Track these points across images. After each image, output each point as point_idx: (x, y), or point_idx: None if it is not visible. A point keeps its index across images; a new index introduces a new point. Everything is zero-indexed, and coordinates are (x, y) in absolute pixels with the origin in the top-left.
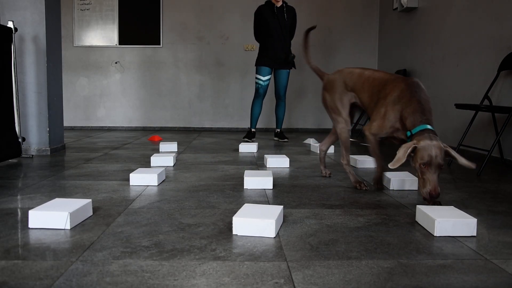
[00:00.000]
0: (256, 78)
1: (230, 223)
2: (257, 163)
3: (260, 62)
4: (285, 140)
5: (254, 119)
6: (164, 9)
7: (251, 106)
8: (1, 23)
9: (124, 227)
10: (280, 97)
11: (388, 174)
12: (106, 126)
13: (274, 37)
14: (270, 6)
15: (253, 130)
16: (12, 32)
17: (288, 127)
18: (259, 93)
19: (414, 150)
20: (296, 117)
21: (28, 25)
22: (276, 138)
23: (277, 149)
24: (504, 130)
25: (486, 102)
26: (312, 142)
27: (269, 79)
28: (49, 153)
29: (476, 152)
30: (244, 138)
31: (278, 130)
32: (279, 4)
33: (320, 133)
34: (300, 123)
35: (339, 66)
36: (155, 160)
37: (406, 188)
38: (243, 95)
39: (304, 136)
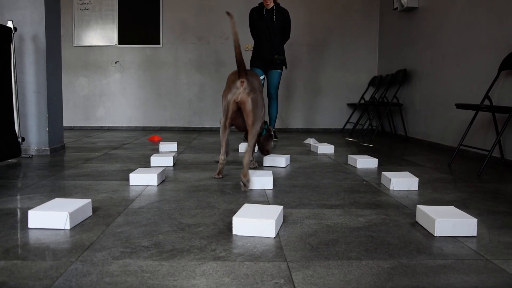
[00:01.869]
0: None
1: (230, 223)
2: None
3: (252, 64)
4: (275, 140)
5: None
6: (164, 9)
7: None
8: (1, 23)
9: (124, 227)
10: (271, 96)
11: (388, 174)
12: (105, 126)
13: (262, 39)
14: (260, 8)
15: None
16: (12, 31)
17: (287, 127)
18: None
19: None
20: (294, 117)
21: (28, 24)
22: None
23: (277, 149)
24: (504, 130)
25: (486, 102)
26: (312, 142)
27: (262, 80)
28: (48, 153)
29: (477, 152)
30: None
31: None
32: (270, 6)
33: (318, 133)
34: (300, 122)
35: (339, 66)
36: (155, 160)
37: (406, 188)
38: None
39: (304, 136)
